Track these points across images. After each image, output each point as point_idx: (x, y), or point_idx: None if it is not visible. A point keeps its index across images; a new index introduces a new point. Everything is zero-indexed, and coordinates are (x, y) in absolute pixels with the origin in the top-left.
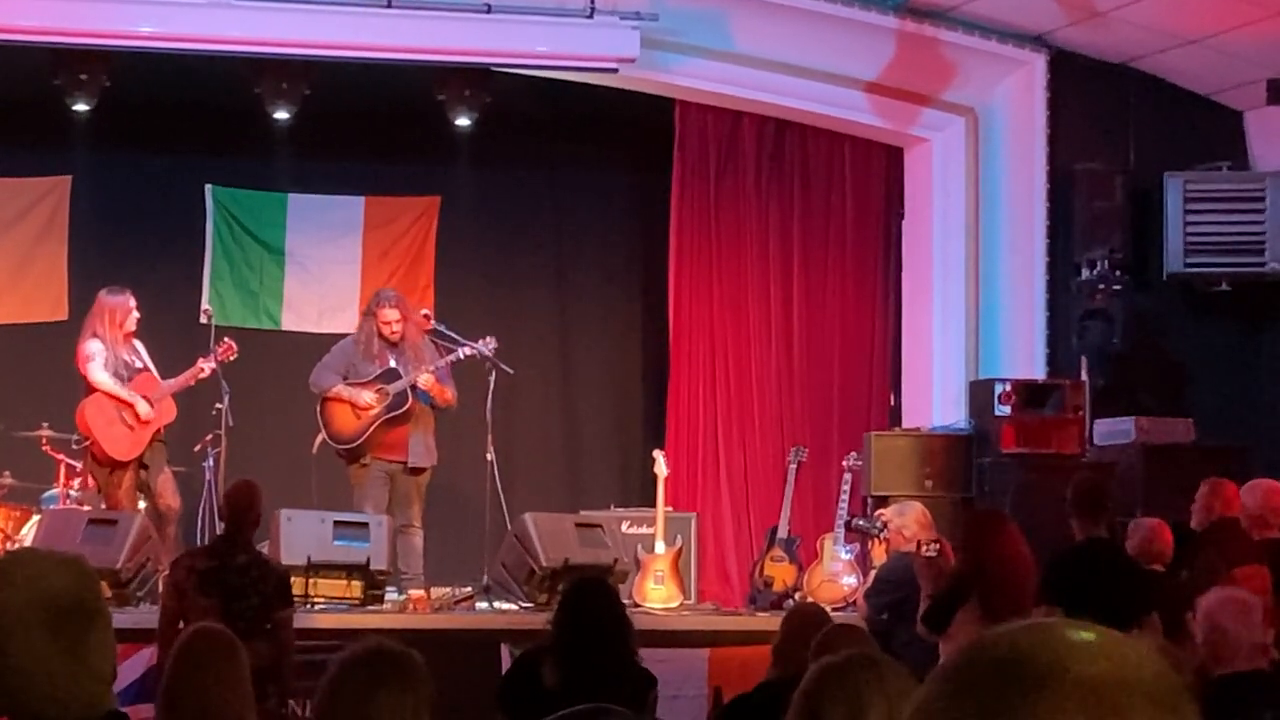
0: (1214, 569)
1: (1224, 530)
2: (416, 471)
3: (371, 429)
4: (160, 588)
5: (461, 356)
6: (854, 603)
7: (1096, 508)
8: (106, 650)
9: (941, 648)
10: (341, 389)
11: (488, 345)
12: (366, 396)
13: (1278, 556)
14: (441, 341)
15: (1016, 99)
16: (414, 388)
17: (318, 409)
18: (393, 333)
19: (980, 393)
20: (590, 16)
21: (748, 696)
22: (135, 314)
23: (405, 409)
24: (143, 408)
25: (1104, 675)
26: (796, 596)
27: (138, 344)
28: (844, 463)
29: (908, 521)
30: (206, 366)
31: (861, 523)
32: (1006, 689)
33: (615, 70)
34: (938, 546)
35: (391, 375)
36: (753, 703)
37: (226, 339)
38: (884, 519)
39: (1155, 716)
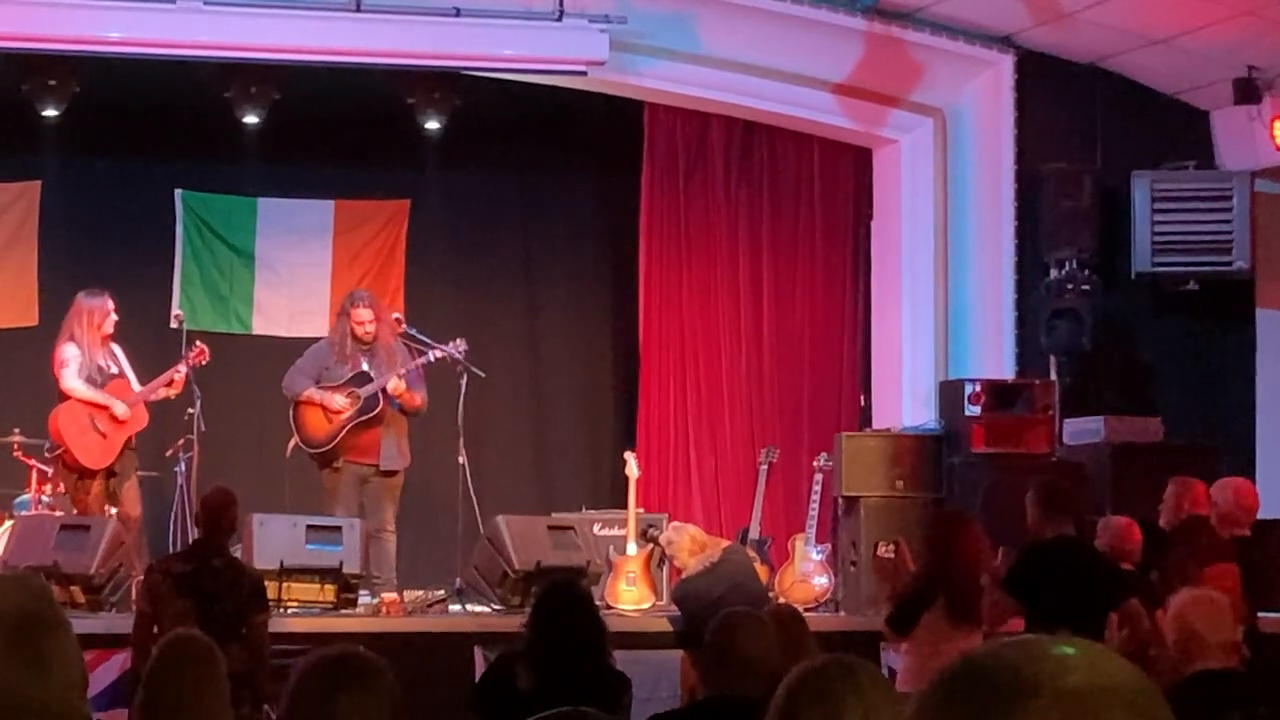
0: (1183, 568)
1: (1193, 529)
2: (389, 474)
3: (343, 432)
4: (133, 593)
5: (432, 359)
6: (825, 603)
7: (1056, 507)
8: (70, 658)
9: (905, 649)
10: (313, 392)
11: (458, 348)
12: (338, 400)
13: (1247, 555)
14: (413, 344)
15: (984, 100)
16: (385, 391)
17: (290, 413)
18: (366, 333)
19: (950, 393)
20: (559, 19)
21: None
22: (113, 316)
23: (376, 412)
24: (119, 408)
25: (1083, 685)
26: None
27: (116, 348)
28: (815, 463)
29: (678, 549)
30: (180, 372)
31: (653, 531)
32: (991, 703)
33: (584, 73)
34: (894, 548)
35: (363, 379)
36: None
37: (198, 343)
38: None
39: None
